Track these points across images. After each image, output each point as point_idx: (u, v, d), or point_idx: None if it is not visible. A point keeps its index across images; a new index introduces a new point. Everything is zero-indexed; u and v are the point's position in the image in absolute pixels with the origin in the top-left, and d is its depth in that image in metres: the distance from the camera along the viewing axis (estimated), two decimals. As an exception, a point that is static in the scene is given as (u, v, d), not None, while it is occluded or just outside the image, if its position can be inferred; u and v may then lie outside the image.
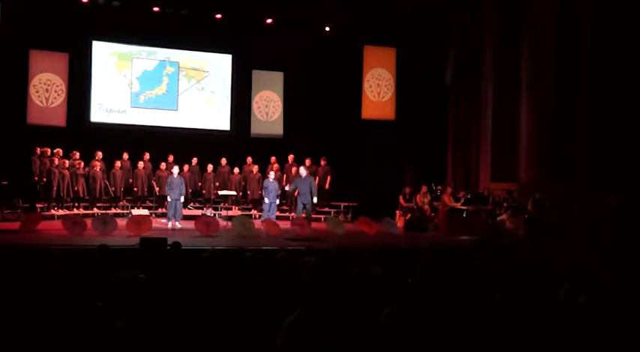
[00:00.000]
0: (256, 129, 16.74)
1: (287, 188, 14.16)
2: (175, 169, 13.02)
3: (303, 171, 13.24)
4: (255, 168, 15.19)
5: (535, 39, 13.69)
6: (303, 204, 12.76)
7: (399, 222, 13.63)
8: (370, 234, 12.08)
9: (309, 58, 16.01)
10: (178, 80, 16.24)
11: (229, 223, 11.90)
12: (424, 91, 16.33)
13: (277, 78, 16.89)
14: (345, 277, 4.15)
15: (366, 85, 16.81)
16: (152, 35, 15.63)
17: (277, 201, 13.40)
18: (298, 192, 13.05)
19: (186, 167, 14.74)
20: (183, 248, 6.64)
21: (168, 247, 7.15)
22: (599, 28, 12.92)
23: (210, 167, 15.03)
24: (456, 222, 12.91)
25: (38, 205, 12.79)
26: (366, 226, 12.33)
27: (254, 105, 16.74)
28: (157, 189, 14.48)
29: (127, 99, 15.78)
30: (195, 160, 15.10)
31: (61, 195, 13.24)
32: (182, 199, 12.72)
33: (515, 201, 12.82)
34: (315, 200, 13.01)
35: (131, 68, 15.81)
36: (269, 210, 12.96)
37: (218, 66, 16.69)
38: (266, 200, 13.08)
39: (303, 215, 12.59)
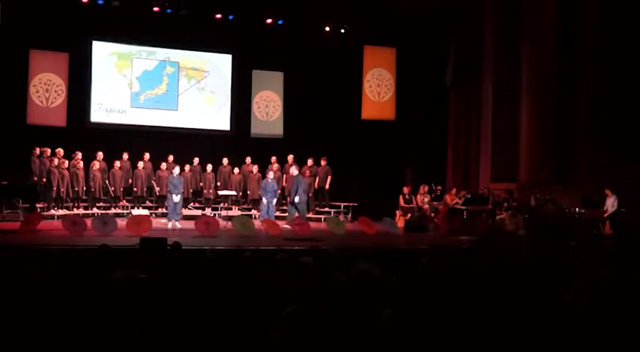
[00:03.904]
0: (256, 129, 16.73)
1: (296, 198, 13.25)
2: (176, 170, 13.01)
3: (294, 170, 13.48)
4: (255, 168, 15.20)
5: (535, 39, 13.69)
6: (294, 204, 12.95)
7: (399, 222, 13.65)
8: (370, 234, 12.08)
9: (309, 58, 16.00)
10: (178, 80, 16.23)
11: (229, 223, 11.91)
12: (424, 91, 16.32)
13: (277, 78, 16.88)
14: (344, 277, 4.15)
15: (366, 85, 16.80)
16: (152, 35, 15.62)
17: (275, 201, 13.42)
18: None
19: (187, 167, 14.75)
20: (183, 248, 6.64)
21: (169, 247, 7.15)
22: (599, 27, 12.93)
23: (209, 167, 15.05)
24: (456, 222, 12.92)
25: (38, 205, 12.77)
26: (366, 226, 12.35)
27: (254, 106, 16.72)
28: (157, 189, 14.48)
29: (127, 99, 15.77)
30: (196, 160, 15.11)
31: (61, 195, 13.25)
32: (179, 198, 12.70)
33: (515, 201, 12.81)
34: (296, 199, 13.02)
35: (131, 68, 15.80)
36: (267, 211, 12.99)
37: (218, 66, 16.67)
38: (263, 200, 13.12)
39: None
